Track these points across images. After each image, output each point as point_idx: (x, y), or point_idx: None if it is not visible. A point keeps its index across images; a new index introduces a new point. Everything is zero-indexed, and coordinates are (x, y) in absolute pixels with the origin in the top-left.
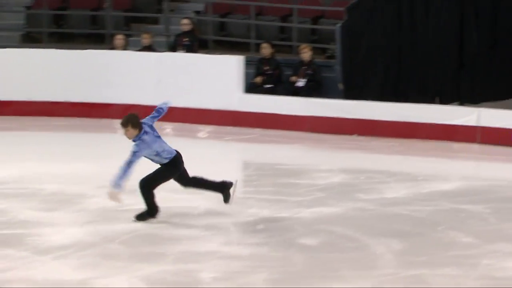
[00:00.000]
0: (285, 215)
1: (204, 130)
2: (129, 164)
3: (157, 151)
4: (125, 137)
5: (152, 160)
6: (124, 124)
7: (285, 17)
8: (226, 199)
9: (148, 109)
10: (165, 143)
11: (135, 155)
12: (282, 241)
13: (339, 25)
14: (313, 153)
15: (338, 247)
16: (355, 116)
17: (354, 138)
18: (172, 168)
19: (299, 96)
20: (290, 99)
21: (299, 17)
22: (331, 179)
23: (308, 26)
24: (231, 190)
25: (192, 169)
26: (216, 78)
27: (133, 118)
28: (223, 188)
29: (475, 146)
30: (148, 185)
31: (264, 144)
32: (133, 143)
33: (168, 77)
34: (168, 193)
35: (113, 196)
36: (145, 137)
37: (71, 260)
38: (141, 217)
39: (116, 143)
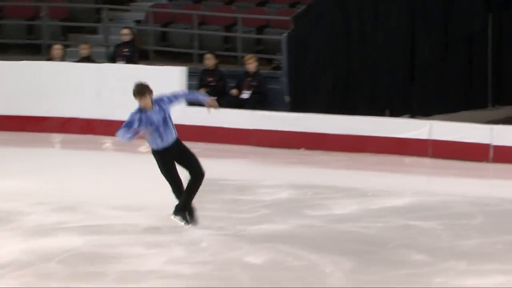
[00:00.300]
0: (230, 232)
1: (145, 144)
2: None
3: None
4: (62, 152)
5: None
6: (142, 92)
7: (229, 27)
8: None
9: (87, 123)
10: None
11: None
12: (227, 259)
13: (285, 34)
14: (259, 168)
15: (285, 266)
16: (302, 129)
17: (301, 152)
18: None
19: (244, 108)
20: (234, 112)
21: (243, 27)
22: (277, 195)
23: (253, 35)
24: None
25: (134, 185)
26: (157, 90)
27: (146, 85)
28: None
29: (426, 160)
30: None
31: (208, 158)
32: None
33: (107, 89)
34: (108, 209)
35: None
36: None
37: (7, 280)
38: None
39: (53, 157)
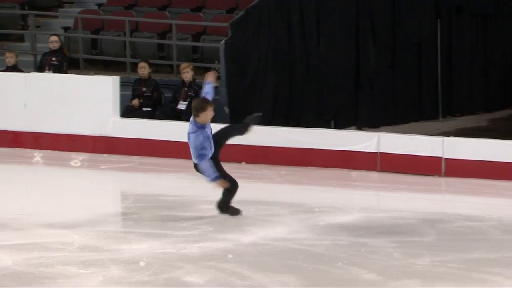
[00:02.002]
0: (170, 250)
1: (76, 158)
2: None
3: None
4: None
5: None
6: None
7: (164, 34)
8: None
9: (15, 135)
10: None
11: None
12: (167, 279)
13: (223, 42)
14: (198, 183)
15: (228, 286)
16: (243, 142)
17: (243, 166)
18: None
19: (181, 120)
20: (171, 124)
21: (179, 34)
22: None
23: (189, 43)
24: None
25: (66, 201)
26: (88, 100)
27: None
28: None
29: (375, 174)
30: None
31: (144, 173)
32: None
33: (35, 100)
34: (40, 227)
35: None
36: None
37: None
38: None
39: None
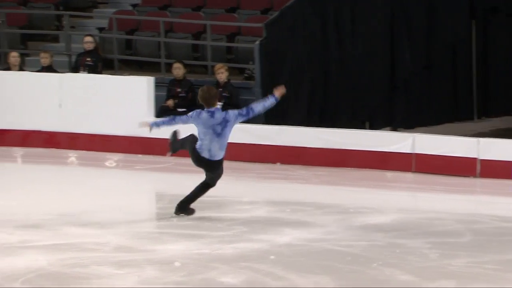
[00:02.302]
0: (205, 251)
1: (111, 158)
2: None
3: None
4: (25, 166)
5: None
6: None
7: (198, 34)
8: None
9: (50, 136)
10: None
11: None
12: (202, 280)
13: (257, 42)
14: (234, 184)
15: (264, 287)
16: (279, 143)
17: (279, 167)
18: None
19: None
20: None
21: (213, 34)
22: (254, 212)
23: (224, 44)
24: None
25: (101, 201)
26: (123, 101)
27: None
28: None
29: (409, 175)
30: None
31: (179, 174)
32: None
33: (70, 101)
34: (75, 227)
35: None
36: (204, 114)
37: None
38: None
39: (15, 172)
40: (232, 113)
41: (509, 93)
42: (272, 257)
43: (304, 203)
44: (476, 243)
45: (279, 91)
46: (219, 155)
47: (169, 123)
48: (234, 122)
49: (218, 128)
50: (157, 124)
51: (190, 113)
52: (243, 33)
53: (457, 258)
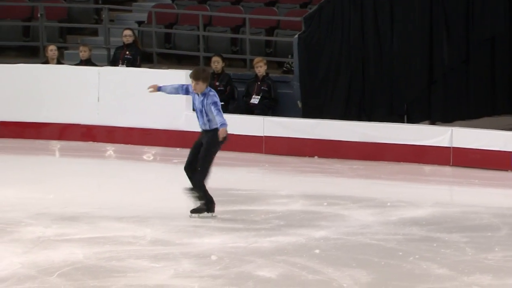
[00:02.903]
0: (241, 244)
1: (149, 152)
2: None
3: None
4: (62, 160)
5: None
6: (196, 77)
7: (237, 28)
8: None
9: (88, 129)
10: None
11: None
12: (239, 273)
13: (296, 36)
14: (271, 177)
15: (300, 280)
16: (316, 136)
17: (315, 160)
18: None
19: (254, 114)
20: (244, 118)
21: (252, 28)
22: (290, 205)
23: (262, 37)
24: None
25: (138, 195)
26: (162, 95)
27: (202, 72)
28: (208, 203)
29: (447, 169)
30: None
31: (217, 167)
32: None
33: (108, 94)
34: (111, 220)
35: (224, 132)
36: (212, 92)
37: None
38: (197, 211)
39: (53, 166)
40: None
41: None
42: (306, 250)
43: (340, 197)
44: None
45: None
46: None
47: (176, 90)
48: None
49: None
50: (165, 89)
51: (214, 98)
52: (282, 27)
53: (493, 252)
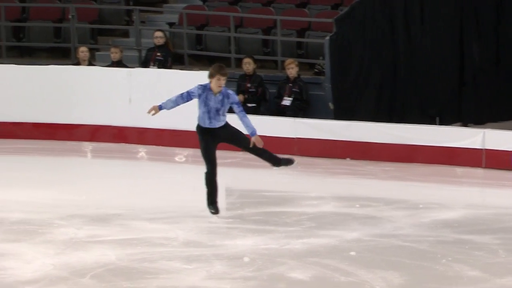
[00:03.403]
0: (273, 246)
1: (181, 153)
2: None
3: None
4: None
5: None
6: (225, 73)
7: (268, 30)
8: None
9: (119, 131)
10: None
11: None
12: (271, 275)
13: (327, 38)
14: (302, 179)
15: (332, 282)
16: (347, 138)
17: (347, 162)
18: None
19: (285, 116)
20: (275, 120)
21: (283, 30)
22: (322, 207)
23: (294, 39)
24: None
25: (170, 196)
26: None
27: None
28: (280, 161)
29: (480, 171)
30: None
31: (248, 168)
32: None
33: (140, 95)
34: (144, 222)
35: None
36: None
37: None
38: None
39: (84, 167)
40: None
41: None
42: (338, 252)
43: (372, 199)
44: None
45: (254, 141)
46: None
47: (176, 102)
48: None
49: None
50: (165, 105)
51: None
52: (313, 28)
53: None
